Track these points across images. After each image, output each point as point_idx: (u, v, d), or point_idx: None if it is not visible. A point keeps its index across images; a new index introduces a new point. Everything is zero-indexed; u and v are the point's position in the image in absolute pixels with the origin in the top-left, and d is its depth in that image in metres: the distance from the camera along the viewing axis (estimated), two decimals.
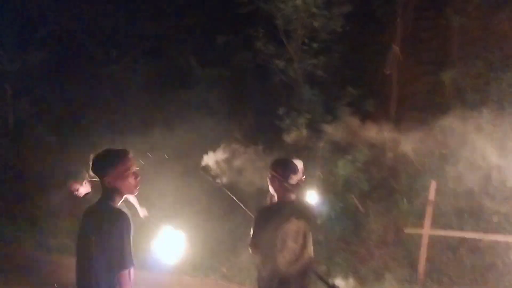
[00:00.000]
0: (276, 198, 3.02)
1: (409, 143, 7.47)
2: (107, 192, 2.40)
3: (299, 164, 2.99)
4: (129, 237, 2.26)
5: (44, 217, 8.39)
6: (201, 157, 8.77)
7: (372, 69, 9.30)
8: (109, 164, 2.39)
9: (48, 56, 10.87)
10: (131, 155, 2.47)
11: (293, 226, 2.89)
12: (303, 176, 2.99)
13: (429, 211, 6.32)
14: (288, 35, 9.27)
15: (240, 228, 7.73)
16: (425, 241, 6.28)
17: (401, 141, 7.56)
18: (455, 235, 6.53)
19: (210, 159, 9.07)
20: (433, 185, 6.39)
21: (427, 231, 6.30)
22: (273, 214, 2.91)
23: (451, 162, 7.06)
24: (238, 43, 10.43)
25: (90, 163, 2.43)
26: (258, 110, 9.54)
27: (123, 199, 2.49)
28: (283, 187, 2.93)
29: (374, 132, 8.38)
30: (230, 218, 7.34)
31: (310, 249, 2.98)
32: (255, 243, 2.92)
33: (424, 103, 8.20)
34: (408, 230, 6.68)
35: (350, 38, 9.40)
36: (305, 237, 2.93)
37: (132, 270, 2.28)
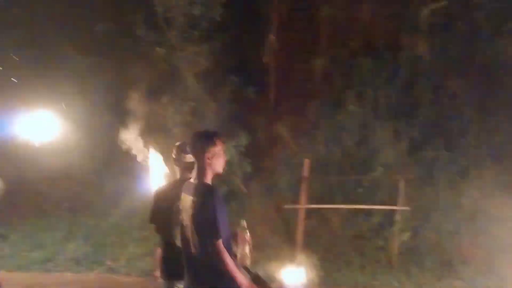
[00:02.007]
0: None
1: (286, 126, 8.00)
2: (201, 170, 2.67)
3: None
4: (221, 210, 2.56)
5: None
6: (82, 151, 8.41)
7: (252, 57, 9.65)
8: (210, 143, 2.65)
9: None
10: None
11: (186, 202, 3.09)
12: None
13: (304, 187, 6.81)
14: (169, 23, 9.20)
15: (125, 220, 7.62)
16: (301, 216, 6.79)
17: (279, 125, 8.07)
18: (327, 207, 7.15)
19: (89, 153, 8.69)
20: (306, 163, 6.91)
21: (303, 206, 6.82)
22: (168, 192, 3.25)
23: (322, 141, 7.70)
24: (119, 31, 10.08)
25: (189, 143, 2.70)
26: (142, 99, 9.35)
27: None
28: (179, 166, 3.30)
29: (255, 118, 8.79)
30: (113, 212, 7.20)
31: None
32: (153, 220, 3.31)
33: (299, 89, 8.77)
34: (287, 206, 7.17)
35: (231, 27, 9.65)
36: None
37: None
